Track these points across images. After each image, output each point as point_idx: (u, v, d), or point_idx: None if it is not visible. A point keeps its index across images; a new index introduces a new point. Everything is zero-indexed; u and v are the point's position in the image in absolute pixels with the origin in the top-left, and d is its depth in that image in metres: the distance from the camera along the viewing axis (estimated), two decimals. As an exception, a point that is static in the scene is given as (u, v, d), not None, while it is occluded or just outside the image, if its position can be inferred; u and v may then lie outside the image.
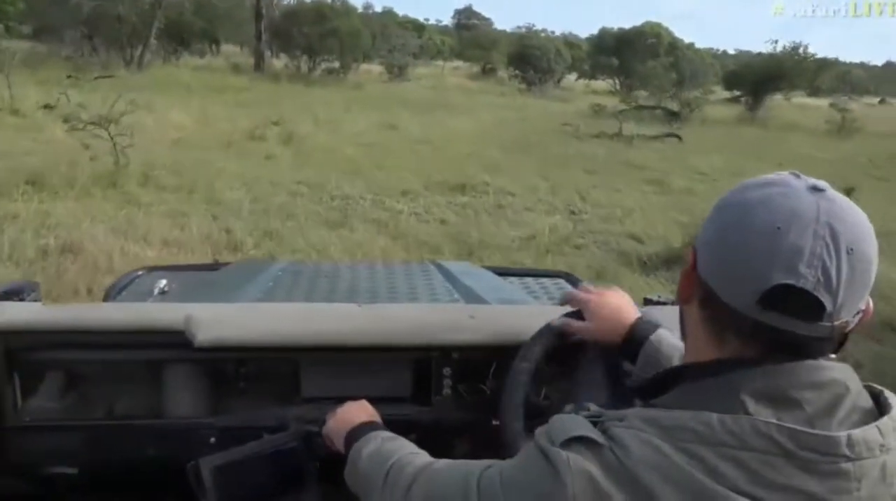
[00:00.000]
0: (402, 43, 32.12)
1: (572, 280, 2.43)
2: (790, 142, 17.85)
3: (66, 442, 1.32)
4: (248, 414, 1.36)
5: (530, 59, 31.33)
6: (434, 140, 12.89)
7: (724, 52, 35.48)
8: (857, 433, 0.66)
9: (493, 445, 1.12)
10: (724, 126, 20.68)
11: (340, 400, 1.21)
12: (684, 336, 0.82)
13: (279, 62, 28.62)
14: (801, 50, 22.52)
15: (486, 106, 21.32)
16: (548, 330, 1.19)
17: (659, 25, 35.55)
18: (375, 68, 32.78)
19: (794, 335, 0.68)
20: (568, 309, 1.22)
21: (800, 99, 27.99)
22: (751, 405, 0.67)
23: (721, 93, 27.72)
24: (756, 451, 0.64)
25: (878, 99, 50.31)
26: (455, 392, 1.39)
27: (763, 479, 0.64)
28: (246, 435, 1.24)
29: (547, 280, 2.42)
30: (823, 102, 29.33)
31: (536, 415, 1.06)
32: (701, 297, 0.74)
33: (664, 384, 0.75)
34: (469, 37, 57.39)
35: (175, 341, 1.29)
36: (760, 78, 23.69)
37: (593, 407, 0.81)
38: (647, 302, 1.75)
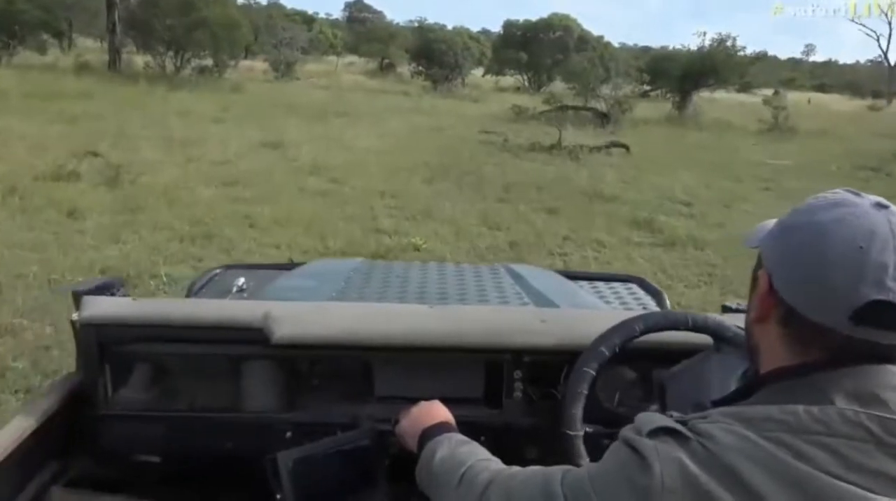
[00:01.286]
0: (290, 36, 28.32)
1: (644, 284, 2.33)
2: (738, 147, 15.83)
3: (151, 432, 1.38)
4: (321, 410, 1.38)
5: (435, 54, 28.37)
6: (332, 167, 9.60)
7: (635, 46, 33.75)
8: None
9: (562, 450, 1.16)
10: (658, 128, 18.57)
11: (412, 400, 1.22)
12: (755, 352, 0.82)
13: (143, 59, 24.05)
14: (729, 43, 20.88)
15: (391, 110, 18.15)
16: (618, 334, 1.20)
17: (567, 17, 33.42)
18: (259, 65, 28.85)
19: (884, 346, 0.70)
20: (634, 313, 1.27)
21: (724, 94, 26.72)
22: (839, 400, 0.68)
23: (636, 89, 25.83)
24: (845, 437, 0.65)
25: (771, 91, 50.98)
26: (526, 395, 1.37)
27: (854, 464, 0.63)
28: (320, 432, 1.26)
29: (618, 284, 2.35)
30: (746, 98, 28.25)
31: (612, 422, 1.08)
32: (781, 316, 0.75)
33: (748, 391, 0.76)
34: (364, 30, 53.62)
35: (253, 337, 1.33)
36: (687, 73, 21.97)
37: (676, 414, 0.77)
38: (725, 309, 1.78)
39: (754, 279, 0.80)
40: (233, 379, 1.39)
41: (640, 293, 2.25)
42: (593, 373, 1.18)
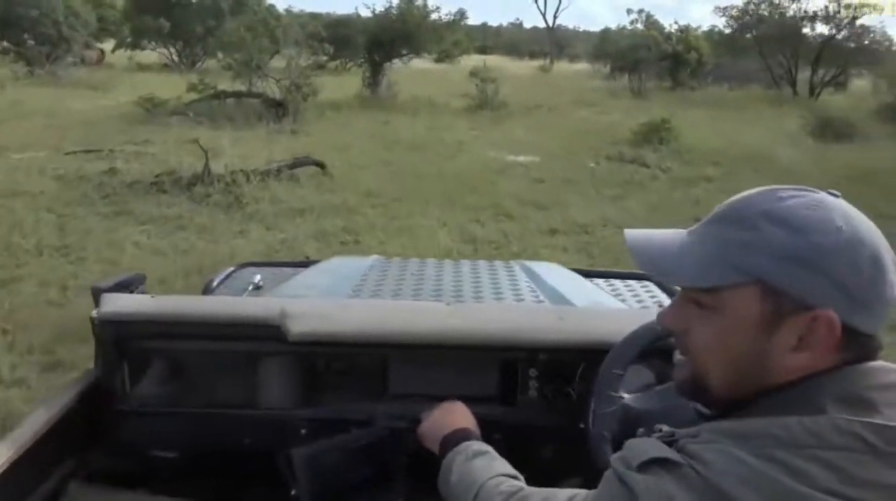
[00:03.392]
0: None
1: (660, 282, 2.21)
2: (461, 140, 11.96)
3: (168, 428, 1.40)
4: (337, 407, 1.38)
5: (24, 23, 19.86)
6: None
7: (302, 12, 28.48)
8: None
9: (577, 448, 1.17)
10: (352, 115, 13.95)
11: (427, 398, 1.25)
12: (762, 387, 0.74)
13: None
14: (420, 2, 16.99)
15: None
16: (643, 335, 1.18)
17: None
18: None
19: (876, 340, 0.70)
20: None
21: (421, 64, 23.17)
22: (830, 408, 0.65)
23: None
24: (841, 449, 0.62)
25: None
26: (541, 393, 1.37)
27: (851, 477, 0.61)
28: (335, 428, 1.27)
29: (634, 282, 2.31)
30: (445, 67, 25.03)
31: (632, 422, 1.06)
32: (839, 343, 0.68)
33: (739, 405, 0.72)
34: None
35: (270, 334, 1.33)
36: (376, 40, 17.62)
37: (665, 428, 0.74)
38: None
39: (772, 318, 0.69)
40: (249, 376, 1.38)
41: (657, 291, 2.19)
42: (622, 374, 1.16)
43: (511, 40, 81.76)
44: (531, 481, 0.98)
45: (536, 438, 1.35)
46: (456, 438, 1.09)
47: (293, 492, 1.18)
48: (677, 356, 0.80)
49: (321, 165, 8.39)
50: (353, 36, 17.90)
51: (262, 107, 13.17)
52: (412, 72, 20.65)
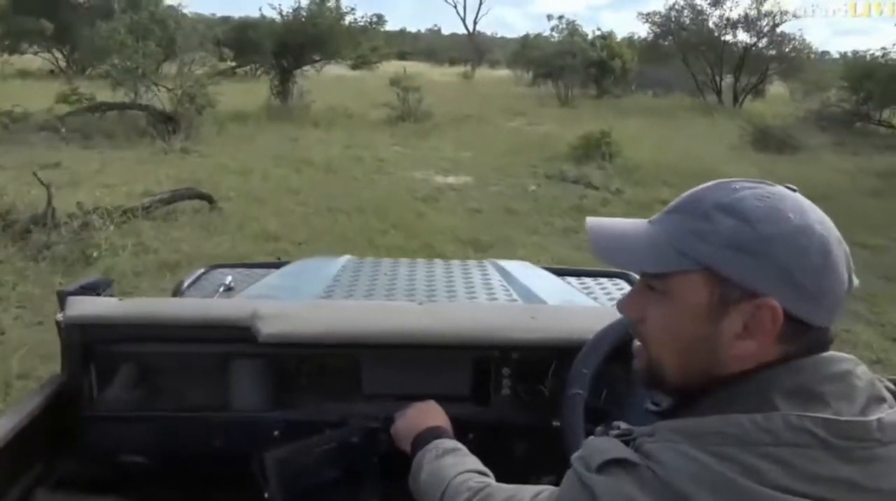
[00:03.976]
0: None
1: (631, 279, 2.24)
2: (384, 159, 10.52)
3: (137, 433, 1.36)
4: (310, 409, 1.36)
5: None
6: None
7: (213, 16, 26.05)
8: (885, 417, 0.66)
9: (550, 446, 1.17)
10: (258, 130, 12.22)
11: (400, 398, 1.26)
12: (710, 375, 0.74)
13: None
14: (332, 3, 15.18)
15: None
16: (612, 332, 1.20)
17: (105, -30, 24.05)
18: None
19: (829, 333, 0.71)
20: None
21: (336, 70, 21.14)
22: (781, 403, 0.66)
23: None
24: (792, 446, 0.63)
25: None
26: (514, 392, 1.36)
27: (803, 473, 0.62)
28: (308, 430, 1.25)
29: (606, 280, 2.33)
30: (362, 74, 23.18)
31: (599, 420, 1.05)
32: (784, 333, 0.69)
33: (692, 401, 0.73)
34: None
35: (241, 336, 1.31)
36: (286, 45, 15.41)
37: (623, 426, 0.75)
38: None
39: (718, 304, 0.70)
40: (220, 379, 1.36)
41: (627, 288, 2.15)
42: (588, 373, 1.17)
43: (430, 46, 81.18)
44: (505, 479, 0.98)
45: (510, 436, 1.35)
46: (427, 436, 1.11)
47: (266, 496, 1.17)
48: (636, 344, 0.81)
49: (208, 198, 6.74)
50: (262, 40, 15.97)
51: (150, 121, 11.30)
52: (327, 79, 18.94)
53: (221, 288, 2.01)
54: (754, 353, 0.69)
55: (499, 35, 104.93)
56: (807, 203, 0.71)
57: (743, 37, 22.74)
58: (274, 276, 2.09)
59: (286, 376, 1.37)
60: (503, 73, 41.31)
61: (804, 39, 23.21)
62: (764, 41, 22.76)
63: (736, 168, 9.96)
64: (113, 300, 1.39)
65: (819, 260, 0.67)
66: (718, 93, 22.61)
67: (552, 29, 28.25)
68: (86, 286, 1.42)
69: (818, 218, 0.69)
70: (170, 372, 1.37)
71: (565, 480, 0.72)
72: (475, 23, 64.85)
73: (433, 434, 1.10)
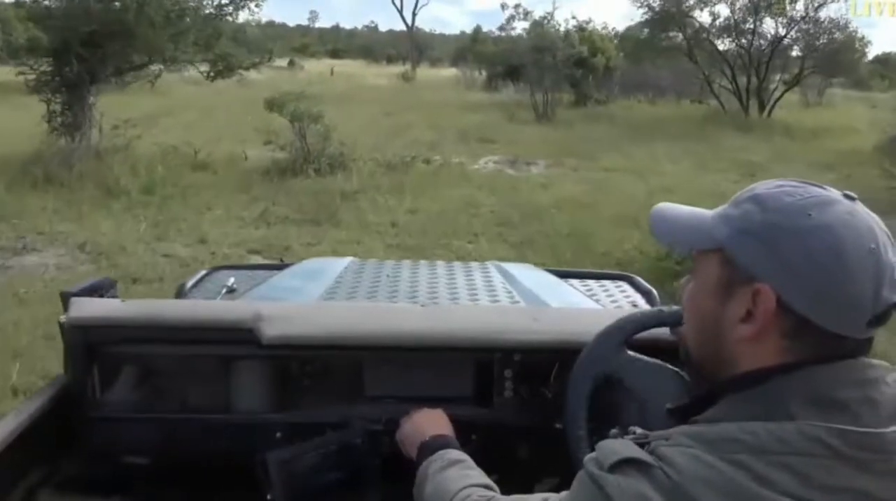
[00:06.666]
0: None
1: (635, 283, 2.27)
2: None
3: (140, 434, 1.36)
4: (313, 410, 1.37)
5: None
6: None
7: None
8: None
9: (553, 449, 1.17)
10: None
11: (403, 400, 1.28)
12: (713, 363, 0.77)
13: None
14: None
15: None
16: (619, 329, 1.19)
17: None
18: None
19: (857, 341, 0.69)
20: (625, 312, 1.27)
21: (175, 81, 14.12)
22: (797, 411, 0.65)
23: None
24: (805, 455, 0.63)
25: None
26: (516, 394, 1.36)
27: (815, 482, 0.62)
28: (311, 432, 1.26)
29: (609, 282, 2.32)
30: (229, 86, 15.02)
31: (606, 422, 1.05)
32: (789, 329, 0.69)
33: (707, 401, 0.74)
34: None
35: (244, 338, 1.31)
36: (66, 43, 8.19)
37: (639, 430, 0.77)
38: None
39: (726, 285, 0.73)
40: (223, 380, 1.36)
41: (631, 291, 2.20)
42: (594, 373, 1.17)
43: (366, 43, 75.29)
44: (507, 481, 0.99)
45: (513, 438, 1.35)
46: (433, 445, 1.11)
47: (268, 497, 1.17)
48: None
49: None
50: (33, 35, 8.94)
51: None
52: (182, 95, 12.34)
53: (224, 290, 2.02)
54: (753, 338, 0.70)
55: (437, 32, 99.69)
56: (851, 210, 0.68)
57: (769, 26, 17.25)
58: (277, 278, 2.10)
59: (289, 378, 1.37)
60: (448, 72, 35.51)
61: (856, 29, 17.90)
62: (794, 32, 17.30)
63: None
64: (116, 301, 1.40)
65: (827, 261, 0.66)
66: (744, 98, 17.06)
67: (508, 19, 22.28)
68: (90, 287, 1.41)
69: (848, 223, 0.67)
70: (173, 374, 1.38)
71: (576, 480, 0.72)
72: (413, 17, 58.57)
73: (439, 443, 1.11)
